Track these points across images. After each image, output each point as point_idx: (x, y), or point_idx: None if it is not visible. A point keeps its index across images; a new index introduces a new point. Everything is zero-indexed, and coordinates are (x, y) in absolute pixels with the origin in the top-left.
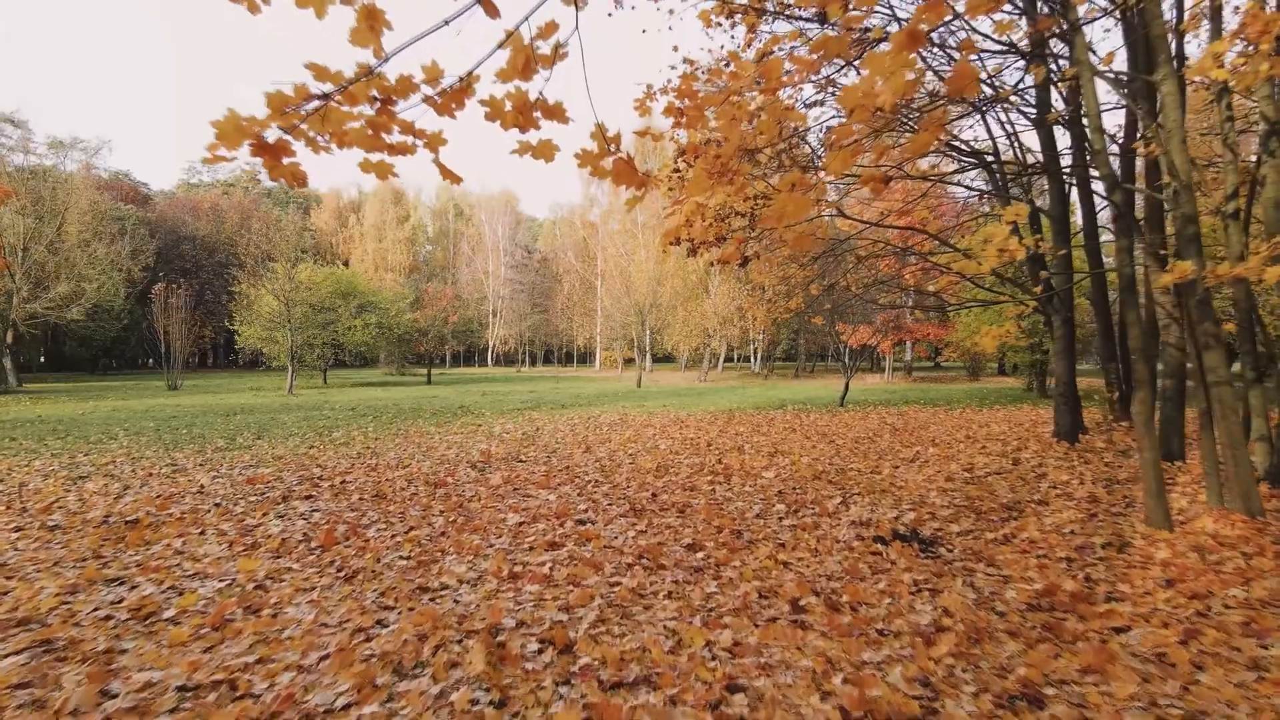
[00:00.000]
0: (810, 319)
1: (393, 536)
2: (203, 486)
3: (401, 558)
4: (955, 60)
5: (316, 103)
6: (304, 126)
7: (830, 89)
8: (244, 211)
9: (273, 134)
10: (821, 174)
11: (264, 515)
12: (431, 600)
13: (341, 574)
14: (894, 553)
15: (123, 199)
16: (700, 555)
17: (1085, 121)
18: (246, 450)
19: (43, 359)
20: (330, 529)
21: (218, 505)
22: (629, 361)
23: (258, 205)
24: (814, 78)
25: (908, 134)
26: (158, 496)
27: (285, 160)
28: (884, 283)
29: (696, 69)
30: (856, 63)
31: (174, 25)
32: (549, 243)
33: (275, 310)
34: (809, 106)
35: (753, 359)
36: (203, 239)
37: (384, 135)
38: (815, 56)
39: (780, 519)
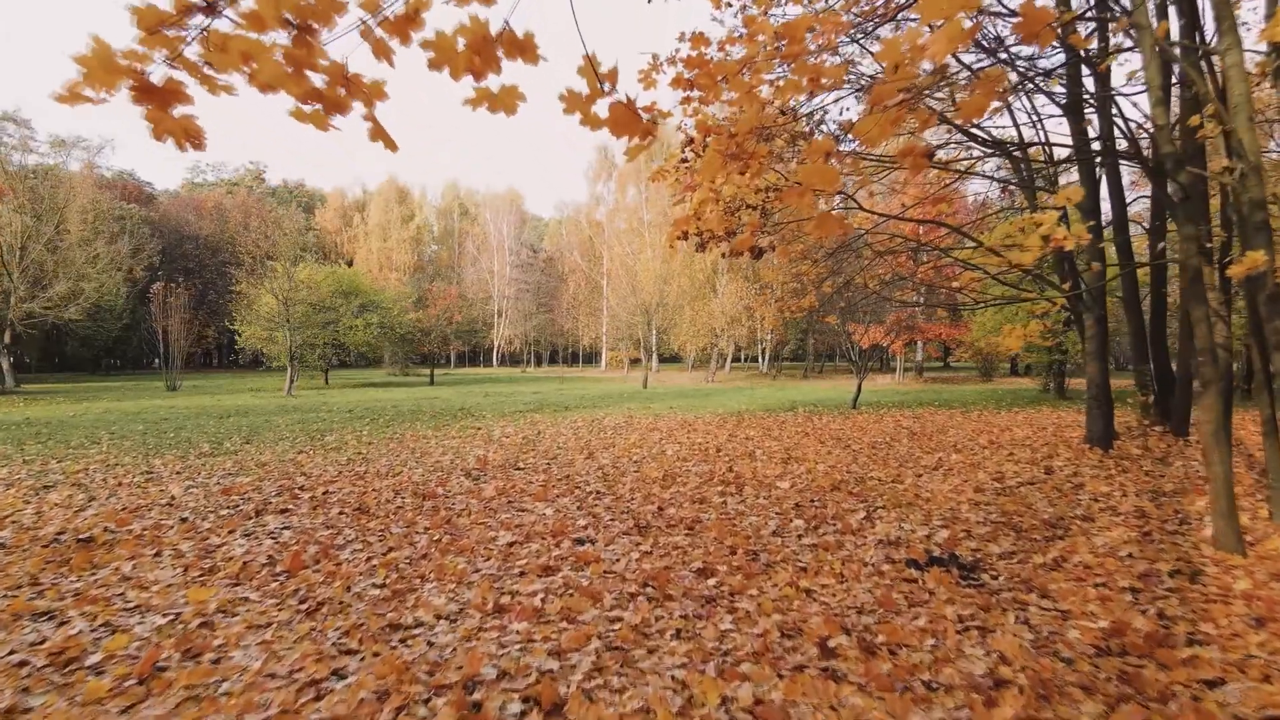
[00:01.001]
0: (822, 318)
1: (368, 559)
2: (173, 498)
3: (375, 585)
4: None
5: (200, 17)
6: (193, 57)
7: (849, 72)
8: (247, 211)
9: (158, 72)
10: (841, 160)
11: (230, 533)
12: (402, 642)
13: (304, 606)
14: (931, 580)
15: (127, 198)
16: (712, 582)
17: (1146, 96)
18: (231, 456)
19: (56, 360)
20: (299, 550)
21: (184, 520)
22: (635, 362)
23: (261, 204)
24: (832, 59)
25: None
26: (122, 510)
27: (177, 111)
28: (902, 280)
29: (707, 36)
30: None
31: None
32: (554, 242)
33: (275, 310)
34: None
35: (760, 359)
36: (205, 238)
37: (308, 75)
38: (848, 17)
39: (799, 537)
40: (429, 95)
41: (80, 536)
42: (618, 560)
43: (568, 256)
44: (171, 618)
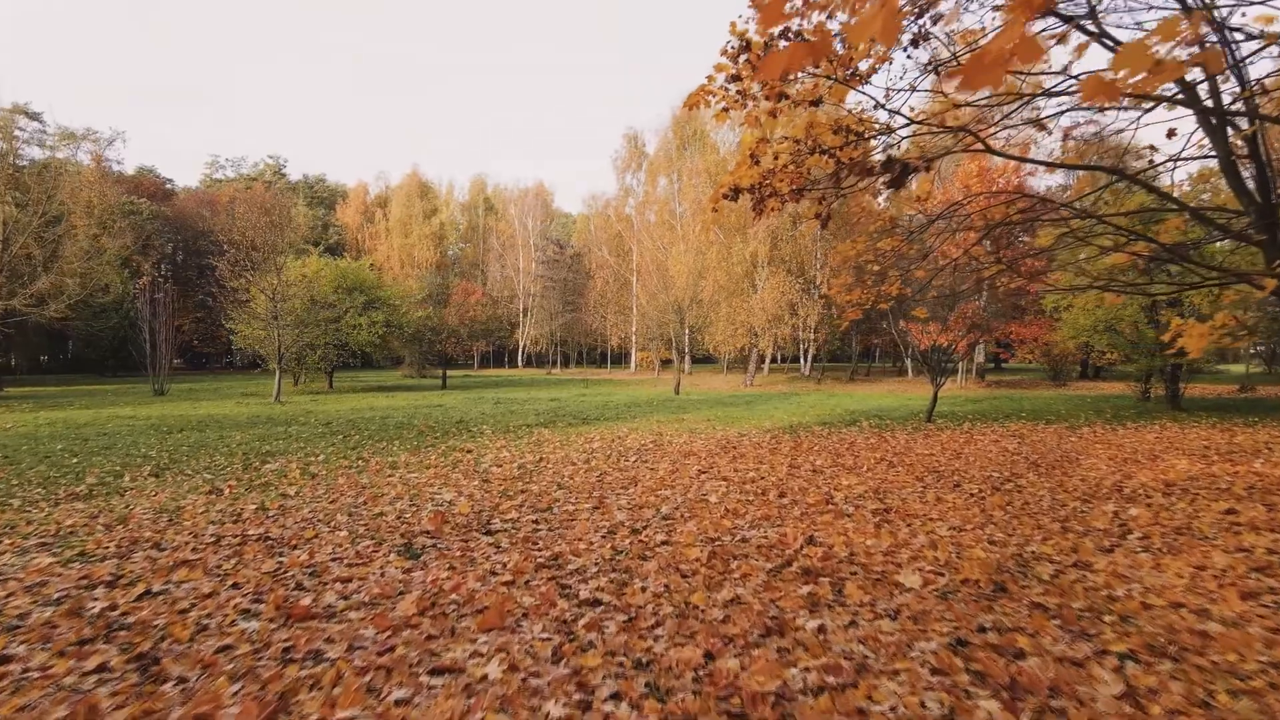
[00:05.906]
0: (913, 310)
1: None
2: None
3: None
4: None
5: None
6: None
7: None
8: (264, 207)
9: None
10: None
11: None
12: None
13: None
14: None
15: (144, 193)
16: None
17: None
18: (107, 499)
19: (65, 360)
20: None
21: None
22: (666, 363)
23: (278, 199)
24: None
25: None
26: None
27: None
28: (1037, 254)
29: None
30: None
31: (188, 28)
32: (582, 238)
33: (267, 308)
34: None
35: (803, 360)
36: (219, 235)
37: None
38: None
39: None
40: (451, 91)
41: None
42: None
43: (596, 252)
44: None
